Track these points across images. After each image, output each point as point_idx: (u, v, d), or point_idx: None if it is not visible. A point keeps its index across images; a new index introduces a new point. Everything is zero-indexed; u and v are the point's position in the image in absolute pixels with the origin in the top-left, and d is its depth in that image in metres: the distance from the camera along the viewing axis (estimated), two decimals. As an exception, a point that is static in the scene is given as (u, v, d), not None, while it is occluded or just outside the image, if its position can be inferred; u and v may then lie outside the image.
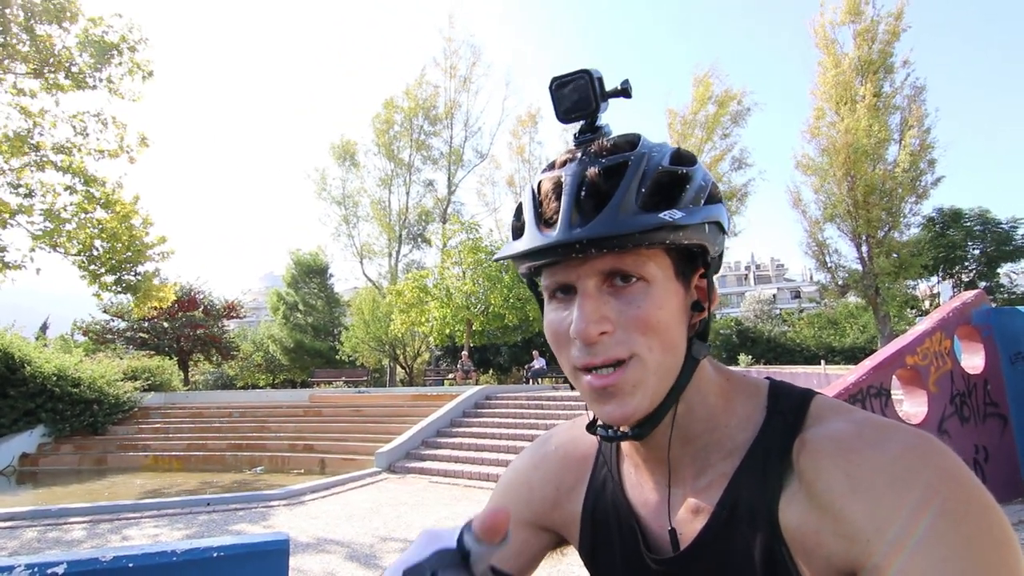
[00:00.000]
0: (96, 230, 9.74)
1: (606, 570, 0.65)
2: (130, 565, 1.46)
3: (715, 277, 0.59)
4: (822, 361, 20.90)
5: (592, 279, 0.53)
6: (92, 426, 13.11)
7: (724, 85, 24.50)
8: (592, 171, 0.53)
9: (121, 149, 9.85)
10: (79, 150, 9.62)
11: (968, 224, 25.21)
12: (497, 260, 0.58)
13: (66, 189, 9.62)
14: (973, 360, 5.48)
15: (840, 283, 21.86)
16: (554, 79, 0.56)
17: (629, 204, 0.50)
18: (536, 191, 0.56)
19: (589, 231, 0.49)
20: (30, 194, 9.46)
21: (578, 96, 0.56)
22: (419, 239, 31.67)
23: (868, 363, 4.84)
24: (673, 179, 0.54)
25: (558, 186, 0.54)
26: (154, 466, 11.78)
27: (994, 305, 5.84)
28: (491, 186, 34.06)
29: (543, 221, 0.54)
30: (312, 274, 32.49)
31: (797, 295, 57.94)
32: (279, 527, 6.13)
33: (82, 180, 9.57)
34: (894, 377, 4.92)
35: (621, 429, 0.56)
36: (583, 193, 0.52)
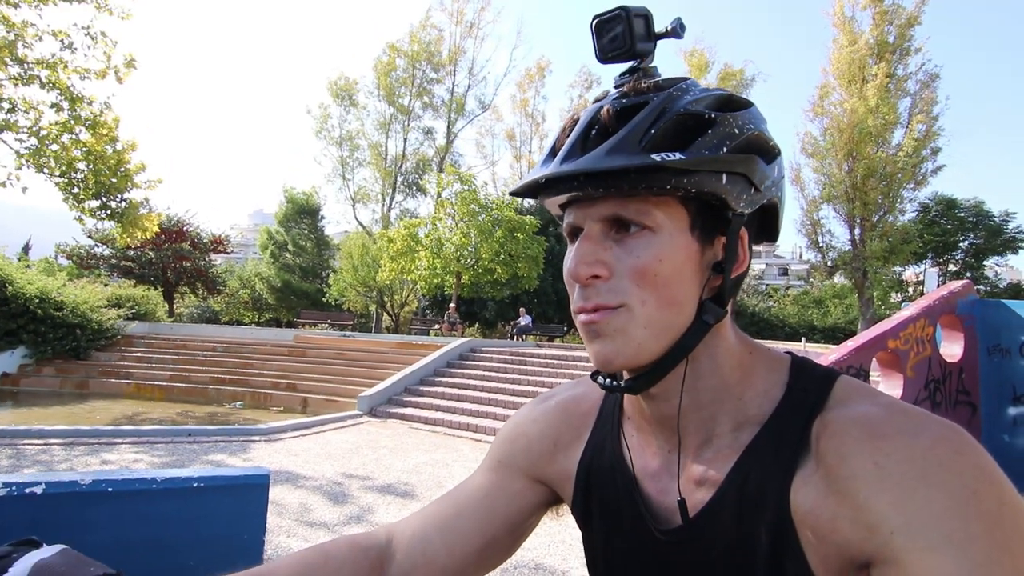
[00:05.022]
0: (80, 152, 9.45)
1: (599, 531, 0.63)
2: (109, 489, 1.46)
3: (748, 240, 0.54)
4: (803, 339, 21.24)
5: (597, 223, 0.51)
6: (74, 351, 13.10)
7: (713, 56, 24.58)
8: (607, 108, 0.51)
9: (108, 69, 9.45)
10: (65, 67, 9.21)
11: (962, 215, 25.31)
12: (511, 195, 0.57)
13: (52, 107, 9.27)
14: (952, 348, 5.58)
15: (829, 263, 22.01)
16: (595, 16, 0.53)
17: (630, 143, 0.48)
18: (562, 127, 0.55)
19: (575, 165, 0.48)
20: (13, 109, 9.11)
21: (615, 36, 0.52)
22: (414, 187, 31.28)
23: (851, 344, 4.89)
24: (699, 123, 0.50)
25: (575, 122, 0.52)
26: (136, 394, 11.86)
27: (979, 296, 5.92)
28: (491, 138, 33.58)
29: (552, 155, 0.53)
30: (304, 214, 32.14)
31: (785, 272, 58.39)
32: (259, 462, 6.23)
33: (68, 99, 9.22)
34: (874, 359, 5.00)
35: (617, 381, 0.55)
36: (593, 130, 0.51)
